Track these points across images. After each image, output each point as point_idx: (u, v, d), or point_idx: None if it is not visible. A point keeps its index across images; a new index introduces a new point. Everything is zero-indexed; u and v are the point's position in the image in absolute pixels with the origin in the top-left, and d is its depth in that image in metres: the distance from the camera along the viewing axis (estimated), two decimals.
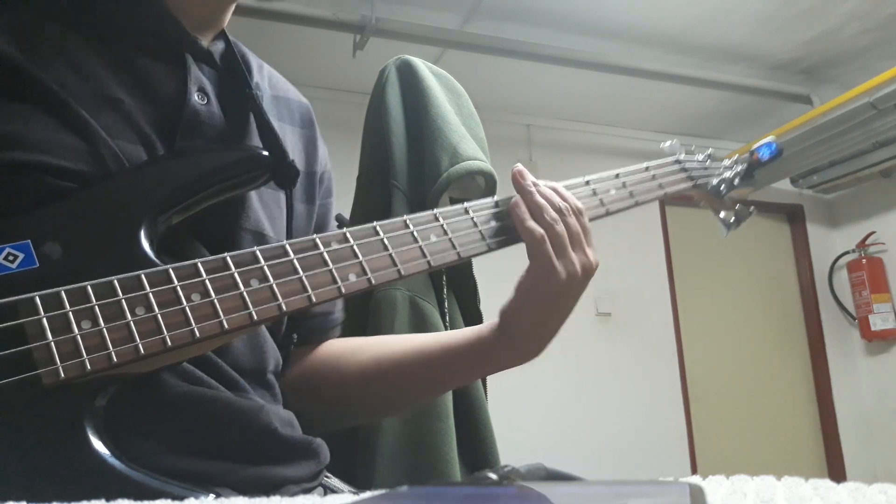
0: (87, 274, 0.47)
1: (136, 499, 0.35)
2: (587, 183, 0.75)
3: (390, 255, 0.58)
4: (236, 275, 0.51)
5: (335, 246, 0.56)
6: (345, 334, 0.84)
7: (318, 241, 0.55)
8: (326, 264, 0.55)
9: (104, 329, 0.45)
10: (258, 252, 0.52)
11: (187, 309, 0.48)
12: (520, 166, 0.70)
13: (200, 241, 0.59)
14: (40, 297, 0.45)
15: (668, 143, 0.89)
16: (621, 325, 3.68)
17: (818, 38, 3.17)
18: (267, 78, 0.75)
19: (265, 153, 0.61)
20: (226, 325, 0.49)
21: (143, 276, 0.48)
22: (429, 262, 0.60)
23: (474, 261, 0.86)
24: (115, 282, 0.47)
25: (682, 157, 0.88)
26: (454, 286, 1.05)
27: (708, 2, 2.86)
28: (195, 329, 0.48)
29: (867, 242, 4.07)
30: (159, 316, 0.47)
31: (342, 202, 1.08)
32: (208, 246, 0.59)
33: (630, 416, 3.57)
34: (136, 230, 0.51)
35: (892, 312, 3.96)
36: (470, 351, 0.71)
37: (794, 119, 3.54)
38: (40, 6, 0.58)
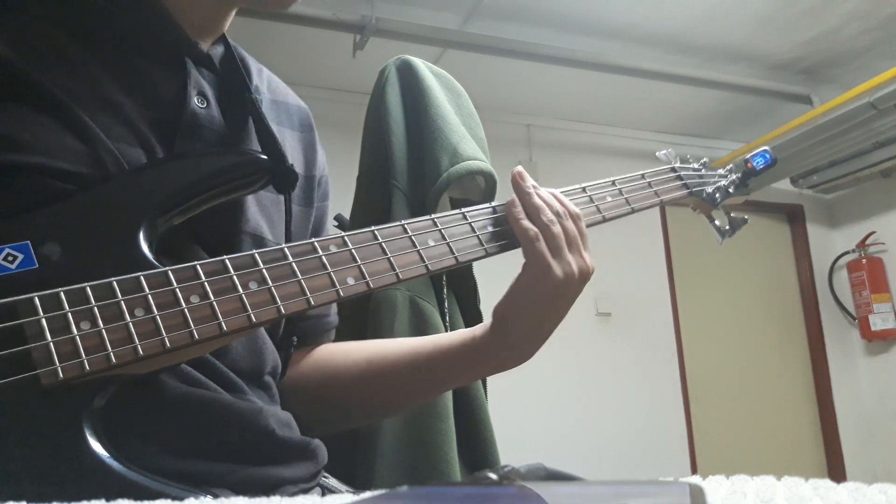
0: (86, 275, 0.47)
1: (134, 500, 0.35)
2: (584, 190, 0.76)
3: (388, 259, 0.58)
4: (235, 277, 0.51)
5: (333, 249, 0.56)
6: (345, 334, 0.84)
7: (316, 244, 0.56)
8: (325, 268, 0.55)
9: (103, 330, 0.45)
10: (257, 255, 0.53)
11: (186, 311, 0.48)
12: (520, 168, 0.71)
13: (199, 243, 0.59)
14: (39, 297, 0.45)
15: (663, 151, 0.90)
16: (621, 325, 3.68)
17: (818, 38, 3.17)
18: (266, 82, 0.75)
19: (264, 157, 0.61)
20: (224, 327, 0.49)
21: (142, 278, 0.48)
22: (427, 267, 0.61)
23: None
24: (115, 283, 0.47)
25: (678, 165, 0.89)
26: (454, 286, 1.05)
27: (708, 2, 2.86)
28: (194, 331, 0.48)
29: (867, 242, 4.07)
30: (158, 317, 0.47)
31: (342, 202, 1.08)
32: (207, 248, 0.59)
33: (630, 416, 3.57)
34: (136, 232, 0.52)
35: (892, 312, 3.96)
36: (464, 352, 0.72)
37: (794, 119, 3.54)
38: (40, 9, 0.58)
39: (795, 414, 4.08)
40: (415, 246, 0.61)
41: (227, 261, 0.51)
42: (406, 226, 0.61)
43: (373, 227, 0.60)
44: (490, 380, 1.00)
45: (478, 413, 0.99)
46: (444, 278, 1.04)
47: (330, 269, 0.55)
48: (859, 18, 3.01)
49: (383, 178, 1.03)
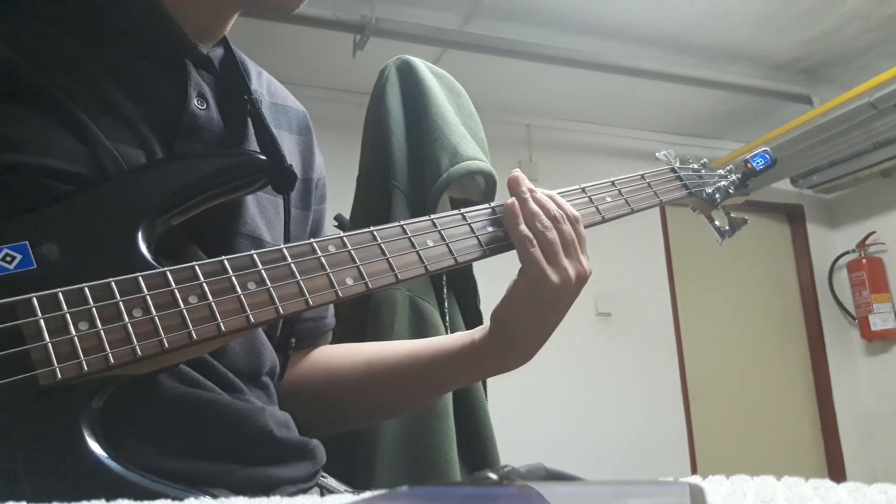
0: (84, 275, 0.47)
1: (133, 500, 0.34)
2: (583, 191, 0.76)
3: (387, 259, 0.58)
4: (233, 278, 0.51)
5: (332, 250, 0.56)
6: (344, 334, 0.84)
7: (315, 245, 0.56)
8: (323, 268, 0.55)
9: (101, 330, 0.45)
10: (255, 256, 0.53)
11: (184, 311, 0.48)
12: (516, 172, 0.70)
13: (197, 244, 0.59)
14: (38, 298, 0.45)
15: (662, 152, 0.90)
16: (621, 325, 3.68)
17: (818, 38, 3.17)
18: (266, 85, 0.75)
19: (263, 157, 0.61)
20: (223, 328, 0.49)
21: (140, 279, 0.48)
22: (426, 268, 0.61)
23: None
24: (113, 283, 0.47)
25: (677, 165, 0.89)
26: (454, 286, 1.05)
27: (708, 2, 2.86)
28: (192, 331, 0.48)
29: (867, 242, 4.07)
30: (156, 318, 0.47)
31: (342, 202, 1.08)
32: (205, 249, 0.60)
33: (630, 416, 3.57)
34: (134, 232, 0.51)
35: (892, 312, 3.96)
36: (463, 355, 0.72)
37: (794, 119, 3.54)
38: (41, 11, 0.58)
39: (795, 414, 4.08)
40: (414, 247, 0.61)
41: (225, 261, 0.51)
42: (405, 226, 0.61)
43: (372, 228, 0.60)
44: (490, 380, 0.99)
45: (478, 413, 0.99)
46: (444, 278, 1.04)
47: (329, 270, 0.55)
48: (859, 18, 3.01)
49: (383, 178, 1.03)
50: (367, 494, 0.33)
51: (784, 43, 3.21)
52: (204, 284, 0.49)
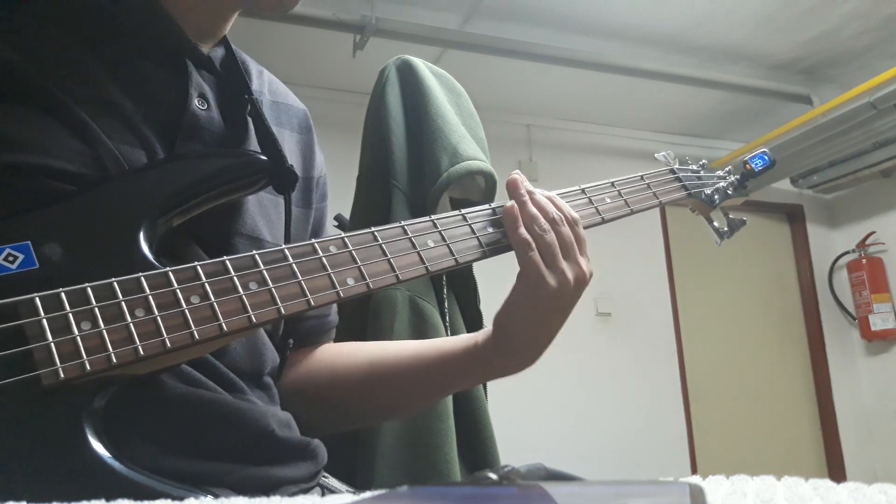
0: (86, 275, 0.47)
1: (135, 499, 0.35)
2: (583, 191, 0.76)
3: (388, 260, 0.59)
4: (235, 278, 0.51)
5: (333, 251, 0.56)
6: (345, 334, 0.84)
7: (316, 245, 0.56)
8: (325, 269, 0.55)
9: (104, 330, 0.45)
10: (257, 256, 0.53)
11: (187, 311, 0.48)
12: (515, 175, 0.70)
13: (199, 244, 0.60)
14: (40, 297, 0.45)
15: (662, 153, 0.90)
16: (621, 325, 3.68)
17: (818, 38, 3.17)
18: (267, 84, 0.75)
19: (264, 157, 0.61)
20: (225, 328, 0.49)
21: (142, 279, 0.48)
22: (426, 268, 0.61)
23: None
24: (115, 283, 0.47)
25: (677, 166, 0.89)
26: (454, 286, 1.05)
27: (708, 2, 2.86)
28: (194, 331, 0.48)
29: (867, 242, 4.07)
30: (159, 318, 0.47)
31: (342, 202, 1.08)
32: (206, 249, 0.60)
33: (630, 416, 3.57)
34: (136, 232, 0.52)
35: (892, 312, 3.96)
36: (466, 358, 0.71)
37: (794, 119, 3.54)
38: (42, 11, 0.58)
39: (795, 414, 4.08)
40: (414, 247, 0.61)
41: (227, 262, 0.51)
42: (406, 227, 0.62)
43: (373, 228, 0.60)
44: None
45: (478, 413, 0.99)
46: (445, 278, 1.04)
47: (330, 270, 0.55)
48: (859, 18, 3.01)
49: (383, 178, 1.03)
50: (368, 494, 0.33)
51: (784, 43, 3.21)
52: (206, 284, 0.50)
